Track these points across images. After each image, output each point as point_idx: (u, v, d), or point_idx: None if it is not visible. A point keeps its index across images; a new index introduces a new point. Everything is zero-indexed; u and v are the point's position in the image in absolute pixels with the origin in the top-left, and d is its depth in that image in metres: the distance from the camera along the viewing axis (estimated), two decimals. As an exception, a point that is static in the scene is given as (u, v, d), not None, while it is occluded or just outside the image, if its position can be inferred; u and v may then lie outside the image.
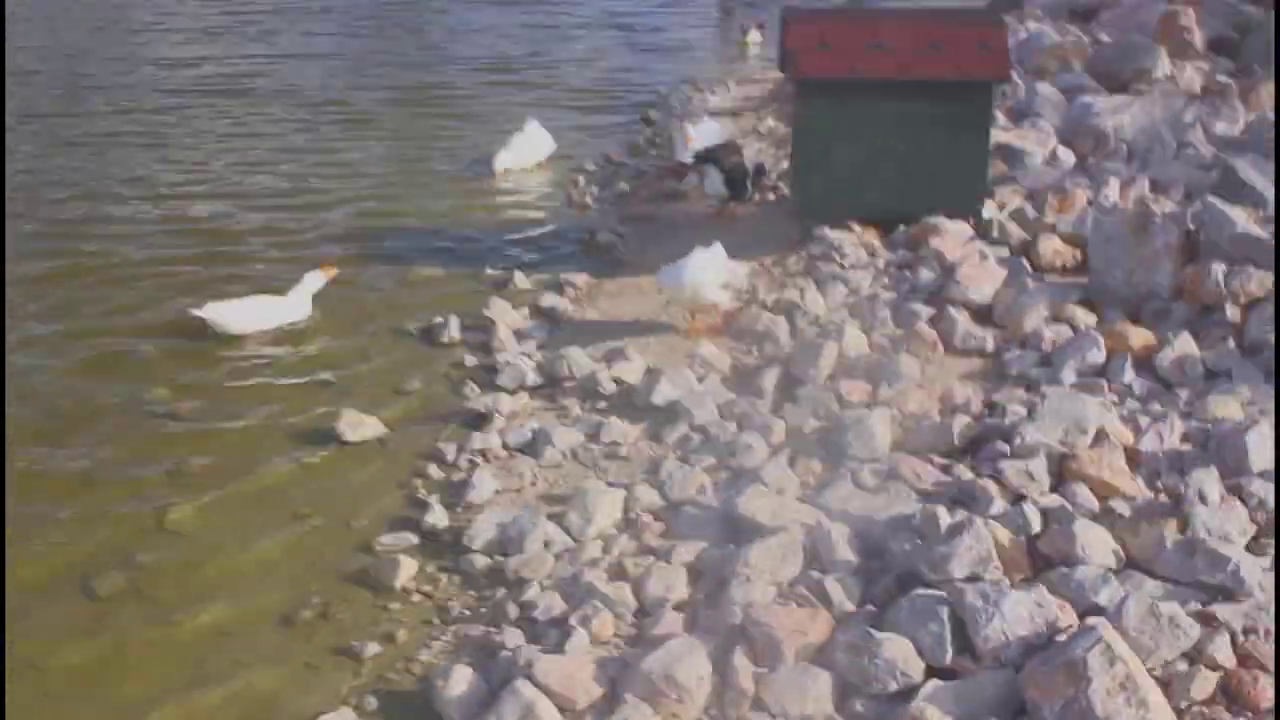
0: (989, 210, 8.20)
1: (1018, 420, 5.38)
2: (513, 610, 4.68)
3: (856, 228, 8.20)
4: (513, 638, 4.51)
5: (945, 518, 4.48)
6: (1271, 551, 4.35)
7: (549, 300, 7.85)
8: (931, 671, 3.93)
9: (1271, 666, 3.81)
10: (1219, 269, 6.37)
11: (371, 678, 4.49)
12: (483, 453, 5.98)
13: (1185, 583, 4.16)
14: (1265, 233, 6.62)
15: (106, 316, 7.90)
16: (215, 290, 8.00)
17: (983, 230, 8.00)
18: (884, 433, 5.51)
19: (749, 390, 6.31)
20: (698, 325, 7.24)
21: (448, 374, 7.01)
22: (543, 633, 4.52)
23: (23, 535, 5.39)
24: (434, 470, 5.90)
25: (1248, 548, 4.36)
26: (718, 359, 6.70)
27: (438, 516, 5.42)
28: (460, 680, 4.14)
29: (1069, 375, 5.97)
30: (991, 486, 4.84)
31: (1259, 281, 6.31)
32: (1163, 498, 4.79)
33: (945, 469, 5.25)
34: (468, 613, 4.82)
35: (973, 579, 4.16)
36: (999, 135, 9.19)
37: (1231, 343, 6.04)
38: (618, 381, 6.51)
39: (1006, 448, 5.18)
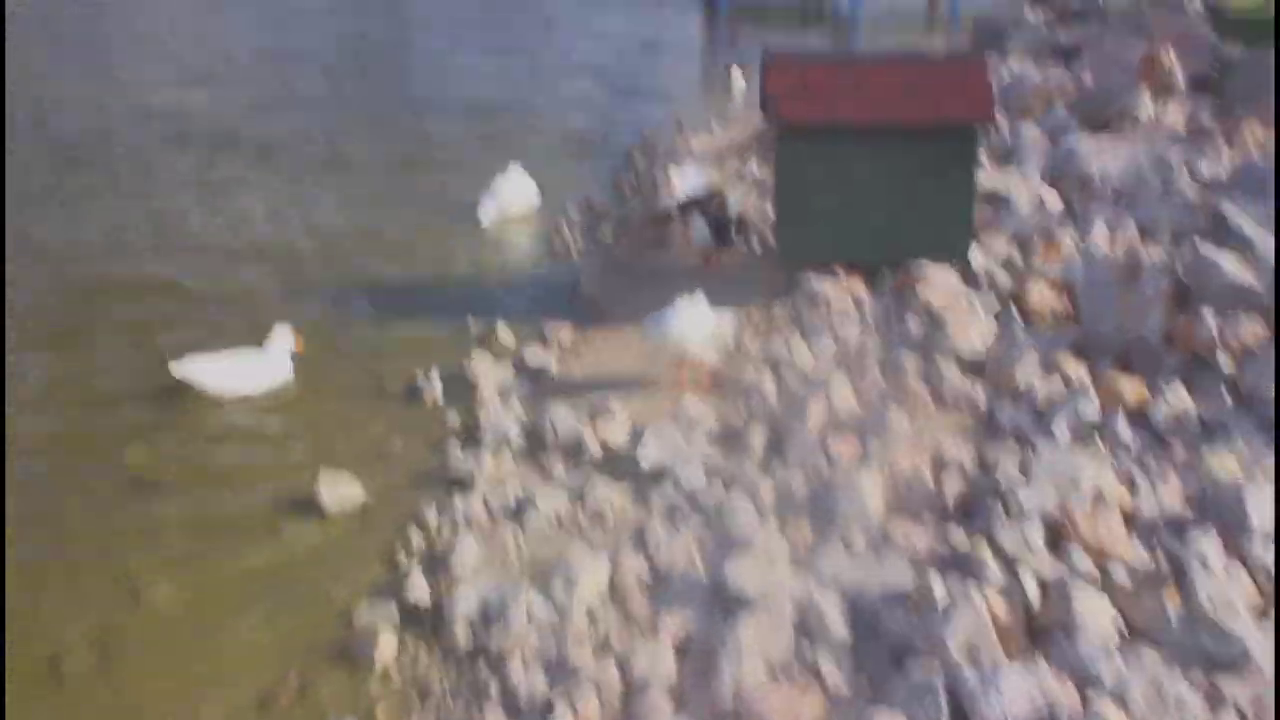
0: (976, 257, 8.12)
1: (1011, 480, 5.26)
2: (494, 689, 4.53)
3: (842, 274, 8.11)
4: (495, 718, 4.35)
5: (940, 589, 4.35)
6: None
7: (533, 354, 7.73)
8: (929, 754, 3.79)
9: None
10: (1211, 318, 6.28)
11: (349, 762, 4.35)
12: (465, 518, 5.83)
13: (1189, 655, 4.03)
14: (1256, 279, 6.54)
15: (83, 376, 7.75)
16: (193, 348, 7.85)
17: (970, 277, 7.92)
18: (875, 494, 5.38)
19: (736, 449, 6.18)
20: (683, 379, 7.12)
21: (430, 435, 6.88)
22: (526, 713, 4.37)
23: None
24: (415, 537, 5.75)
25: (1252, 617, 4.23)
26: (704, 415, 6.58)
27: (418, 587, 5.27)
28: (440, 768, 3.99)
29: (1062, 430, 5.86)
30: (986, 552, 4.71)
31: (1251, 330, 6.22)
32: (1162, 561, 4.66)
33: (938, 532, 5.11)
34: (449, 690, 4.67)
35: (969, 655, 4.02)
36: (984, 179, 9.14)
37: (1226, 395, 5.93)
38: (603, 442, 6.38)
39: (1001, 509, 5.05)
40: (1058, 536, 4.81)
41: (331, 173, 12.92)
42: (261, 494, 6.24)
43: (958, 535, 5.02)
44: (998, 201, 9.17)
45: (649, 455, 6.06)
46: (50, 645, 5.04)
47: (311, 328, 8.32)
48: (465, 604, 5.03)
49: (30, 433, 6.92)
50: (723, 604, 4.69)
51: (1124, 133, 10.78)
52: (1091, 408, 5.98)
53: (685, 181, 10.36)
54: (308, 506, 6.02)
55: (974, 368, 6.79)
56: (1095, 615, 4.18)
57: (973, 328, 6.99)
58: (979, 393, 6.50)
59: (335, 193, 12.16)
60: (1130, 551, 4.71)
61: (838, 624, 4.41)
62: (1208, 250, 6.79)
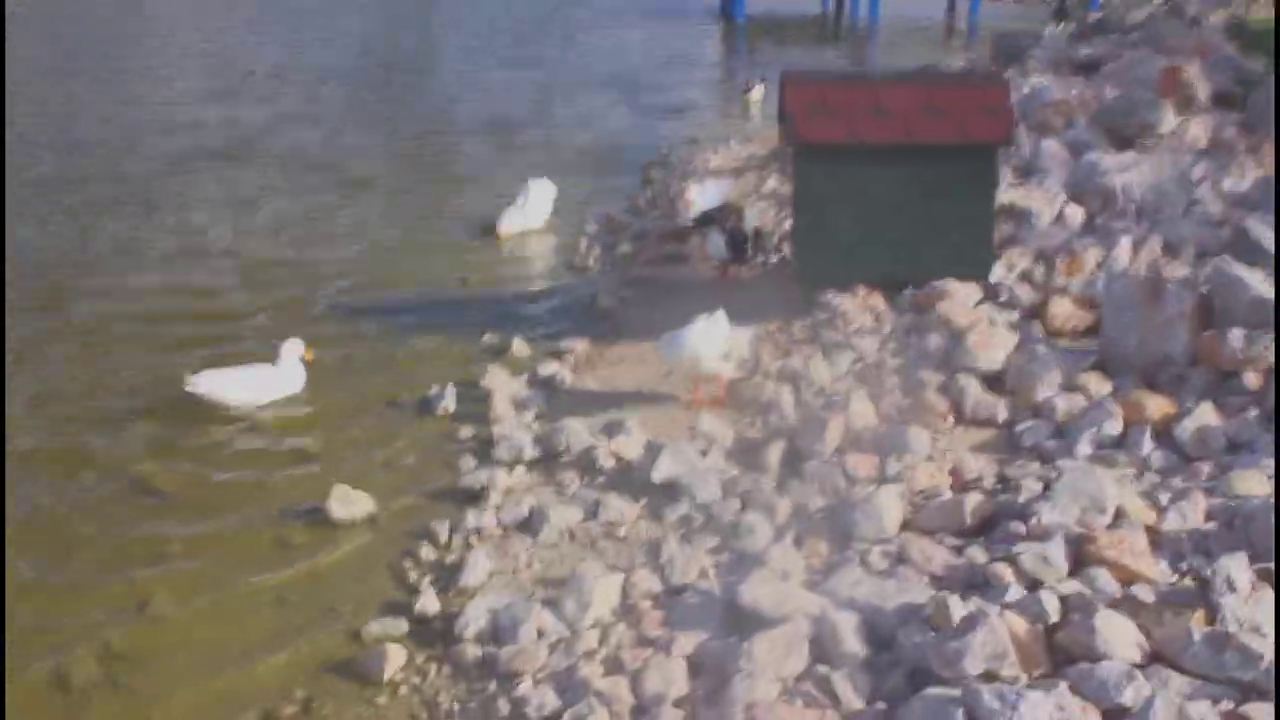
0: (997, 273, 8.02)
1: (1033, 498, 5.16)
2: (504, 706, 4.45)
3: (861, 292, 8.03)
4: (504, 737, 4.28)
5: (958, 608, 4.24)
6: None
7: (548, 368, 7.67)
8: (947, 778, 3.69)
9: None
10: (1237, 335, 6.17)
11: (355, 781, 4.28)
12: (477, 532, 5.77)
13: (1215, 680, 3.91)
14: (1281, 295, 6.42)
15: (97, 386, 7.74)
16: (208, 360, 7.83)
17: (991, 293, 7.83)
18: (893, 512, 5.29)
19: (753, 465, 6.10)
20: (700, 396, 7.04)
21: (443, 447, 6.82)
22: (536, 731, 4.29)
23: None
24: (426, 551, 5.69)
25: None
26: (720, 432, 6.50)
27: (428, 601, 5.20)
28: (447, 787, 3.91)
29: (1085, 447, 5.75)
30: (1006, 571, 4.61)
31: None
32: (1188, 581, 4.56)
33: (957, 550, 5.01)
34: (457, 708, 4.59)
35: (988, 676, 3.93)
36: (1005, 194, 9.05)
37: (1253, 412, 5.82)
38: (617, 457, 6.30)
39: (1022, 528, 4.95)
40: (1080, 556, 4.70)
41: (350, 186, 12.93)
42: (271, 506, 6.19)
43: (977, 554, 4.92)
44: (1019, 216, 9.06)
45: (664, 470, 5.98)
46: (55, 657, 4.99)
47: (327, 340, 8.30)
48: (475, 619, 4.95)
49: (39, 444, 6.89)
50: (736, 622, 4.60)
51: (1146, 147, 10.66)
52: (1115, 425, 5.87)
53: (703, 196, 10.31)
54: (318, 519, 5.96)
55: (995, 383, 6.69)
56: (1118, 637, 4.07)
57: (994, 344, 6.89)
58: (1000, 409, 6.40)
59: (353, 206, 12.17)
60: (1155, 570, 4.60)
61: (853, 643, 4.32)
62: (1232, 266, 6.68)
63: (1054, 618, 4.26)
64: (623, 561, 5.39)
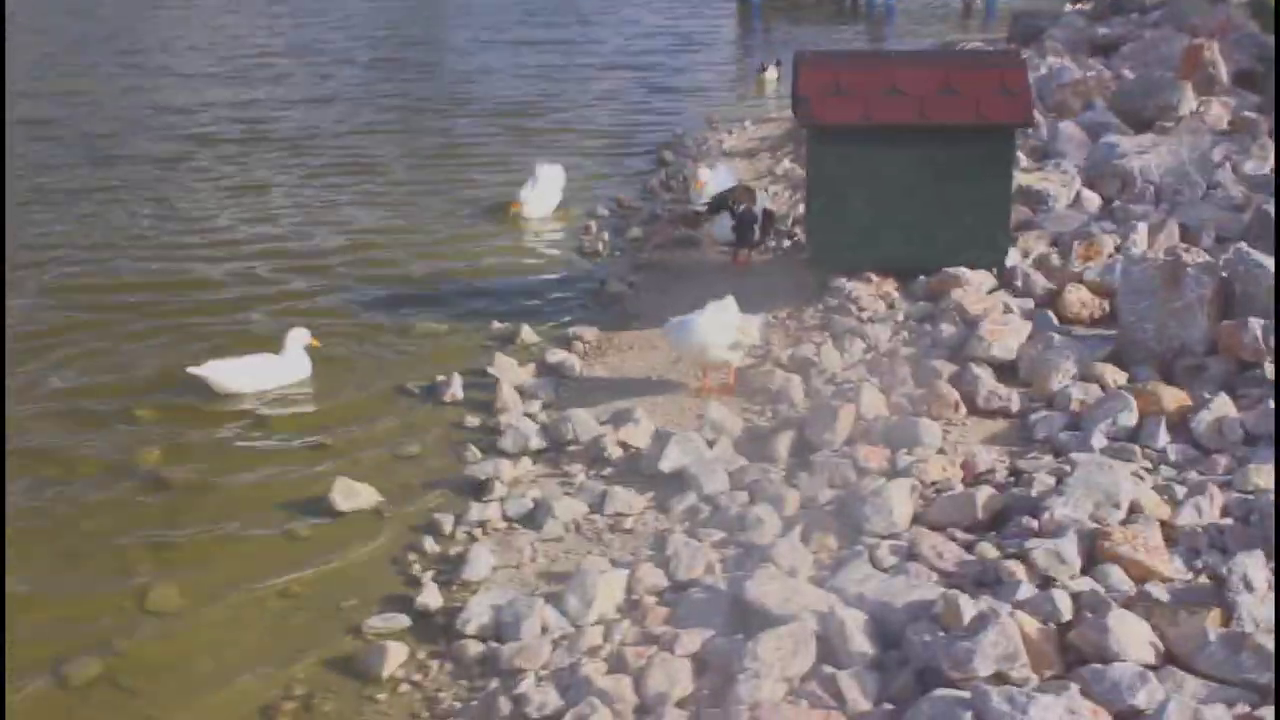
0: (1012, 258, 7.89)
1: (1045, 492, 5.05)
2: (506, 705, 4.37)
3: (874, 278, 7.91)
4: (505, 735, 4.21)
5: (968, 607, 4.15)
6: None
7: (556, 355, 7.58)
8: (955, 782, 3.61)
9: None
10: (1257, 324, 6.03)
11: (353, 778, 4.22)
12: (481, 525, 5.70)
13: (1231, 682, 3.81)
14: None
15: (101, 374, 7.70)
16: (214, 347, 7.78)
17: (1006, 279, 7.70)
18: (903, 505, 5.18)
19: (761, 456, 6.00)
20: (708, 384, 6.94)
21: (448, 436, 6.75)
22: (537, 730, 4.22)
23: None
24: (429, 544, 5.61)
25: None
26: (729, 421, 6.40)
27: (430, 596, 5.13)
28: (446, 788, 3.84)
29: (1099, 439, 5.63)
30: (1018, 568, 4.51)
31: (1300, 336, 5.97)
32: (1203, 579, 4.45)
33: (968, 546, 4.90)
34: (458, 705, 4.52)
35: (999, 678, 3.84)
36: (1021, 177, 8.91)
37: (1272, 403, 5.69)
38: (624, 446, 6.22)
39: (1034, 523, 4.85)
40: (1093, 552, 4.60)
41: (361, 170, 12.87)
42: (273, 497, 6.12)
43: (989, 549, 4.82)
44: (1035, 200, 8.92)
45: (671, 461, 5.90)
46: (55, 651, 4.94)
47: (334, 327, 8.25)
48: (478, 615, 4.88)
49: (40, 440, 6.82)
50: (742, 619, 4.51)
51: (1165, 129, 10.49)
52: (1130, 416, 5.75)
53: (716, 179, 10.19)
54: (321, 511, 5.90)
55: (1008, 373, 6.57)
56: (1131, 637, 3.97)
57: (1008, 332, 6.77)
58: (1013, 400, 6.28)
59: (364, 190, 12.11)
60: (1170, 567, 4.49)
61: (861, 642, 4.23)
62: (1253, 253, 6.54)
63: (1066, 615, 4.17)
64: (628, 555, 5.30)
